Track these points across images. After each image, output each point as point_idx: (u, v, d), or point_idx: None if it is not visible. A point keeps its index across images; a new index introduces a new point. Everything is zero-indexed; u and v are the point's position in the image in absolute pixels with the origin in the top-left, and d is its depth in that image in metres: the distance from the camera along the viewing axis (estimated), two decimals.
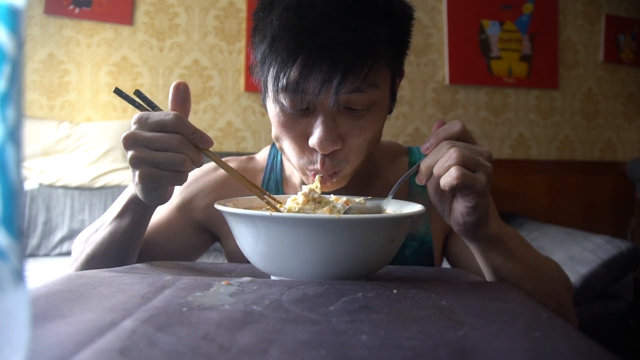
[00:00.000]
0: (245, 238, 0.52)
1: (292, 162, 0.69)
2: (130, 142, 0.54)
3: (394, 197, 0.61)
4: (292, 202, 0.60)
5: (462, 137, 0.56)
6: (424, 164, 0.56)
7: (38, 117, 2.34)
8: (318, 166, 0.65)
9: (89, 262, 0.68)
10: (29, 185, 2.17)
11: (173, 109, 0.58)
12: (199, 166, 0.57)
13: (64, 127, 2.25)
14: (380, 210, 0.60)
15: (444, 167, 0.52)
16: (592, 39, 2.79)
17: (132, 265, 0.61)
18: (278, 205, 0.62)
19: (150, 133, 0.54)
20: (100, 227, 0.68)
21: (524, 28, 2.72)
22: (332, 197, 0.64)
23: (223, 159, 0.84)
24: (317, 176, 0.66)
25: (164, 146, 0.53)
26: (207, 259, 2.03)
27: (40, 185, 2.18)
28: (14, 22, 0.22)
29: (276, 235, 0.48)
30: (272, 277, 0.55)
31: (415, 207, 0.58)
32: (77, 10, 2.41)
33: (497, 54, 2.69)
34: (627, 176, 2.46)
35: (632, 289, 1.95)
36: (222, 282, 0.48)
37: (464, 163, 0.52)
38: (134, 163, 0.54)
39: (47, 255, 2.10)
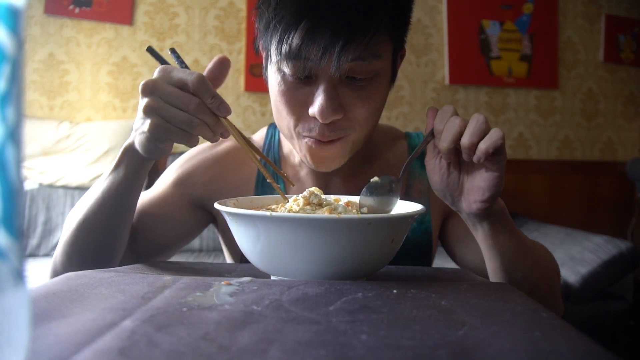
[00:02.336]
0: (245, 238, 0.52)
1: (287, 133, 0.69)
2: (149, 89, 0.54)
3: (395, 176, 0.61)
4: (293, 203, 0.60)
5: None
6: (447, 139, 0.54)
7: (38, 117, 2.35)
8: (315, 133, 0.65)
9: (80, 229, 0.65)
10: (29, 185, 2.17)
11: (208, 74, 0.58)
12: (217, 133, 0.56)
13: (64, 127, 2.25)
14: (389, 201, 0.59)
15: (479, 131, 0.52)
16: (592, 39, 2.79)
17: (132, 265, 0.61)
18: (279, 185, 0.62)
19: (171, 88, 0.53)
20: (92, 190, 0.66)
21: (524, 28, 2.72)
22: (332, 197, 0.64)
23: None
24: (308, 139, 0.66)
25: (180, 105, 0.53)
26: (207, 259, 2.03)
27: (40, 185, 2.18)
28: (14, 22, 0.22)
29: (276, 235, 0.48)
30: (272, 277, 0.55)
31: (415, 207, 0.58)
32: (77, 10, 2.41)
33: (497, 54, 2.69)
34: (627, 176, 2.46)
35: (632, 289, 1.95)
36: (222, 282, 0.48)
37: (489, 126, 0.52)
38: (148, 111, 0.54)
39: (47, 255, 2.10)
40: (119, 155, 0.63)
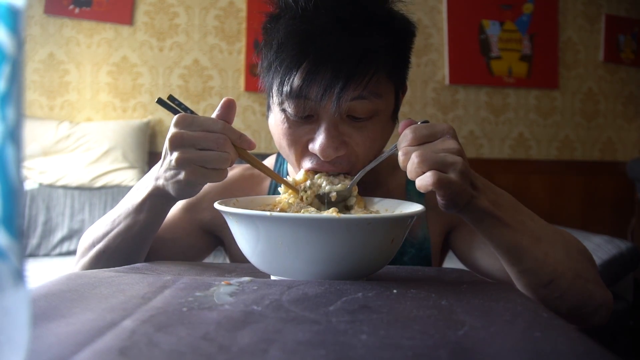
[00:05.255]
0: (245, 238, 0.52)
1: (291, 164, 0.71)
2: (177, 142, 0.56)
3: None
4: (290, 179, 0.65)
5: (427, 139, 0.55)
6: (401, 164, 0.56)
7: (38, 117, 2.34)
8: (317, 166, 0.67)
9: (100, 257, 0.68)
10: (29, 185, 2.17)
11: (218, 117, 0.60)
12: (234, 162, 0.59)
13: (64, 127, 2.25)
14: (346, 195, 0.65)
15: (413, 172, 0.53)
16: (592, 39, 2.79)
17: (132, 266, 0.61)
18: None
19: (197, 133, 0.56)
20: (112, 222, 0.68)
21: (524, 28, 2.72)
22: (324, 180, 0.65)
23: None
24: (301, 172, 0.68)
25: (210, 145, 0.56)
26: (207, 259, 2.03)
27: (40, 185, 2.18)
28: (14, 22, 0.22)
29: (276, 235, 0.48)
30: (272, 277, 0.55)
31: (415, 207, 0.58)
32: (77, 10, 2.41)
33: (497, 54, 2.69)
34: (627, 176, 2.46)
35: (632, 289, 1.95)
36: (222, 282, 0.48)
37: (430, 167, 0.52)
38: (181, 163, 0.56)
39: (47, 255, 2.10)
40: (143, 197, 0.64)
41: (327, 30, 0.62)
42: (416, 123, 0.57)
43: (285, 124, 0.67)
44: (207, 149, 0.56)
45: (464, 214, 0.58)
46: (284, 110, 0.66)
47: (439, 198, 0.54)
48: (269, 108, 0.72)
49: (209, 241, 0.83)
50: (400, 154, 0.55)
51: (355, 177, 0.65)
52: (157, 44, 2.48)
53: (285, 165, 0.87)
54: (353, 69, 0.61)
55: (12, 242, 0.22)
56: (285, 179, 0.66)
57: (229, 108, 0.60)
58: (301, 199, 0.65)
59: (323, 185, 0.65)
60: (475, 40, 2.68)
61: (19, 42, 0.22)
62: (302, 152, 0.68)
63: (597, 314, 0.63)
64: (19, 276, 0.22)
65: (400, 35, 0.69)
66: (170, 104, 0.61)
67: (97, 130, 2.28)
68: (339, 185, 0.65)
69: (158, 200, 0.64)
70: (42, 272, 1.77)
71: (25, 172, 2.16)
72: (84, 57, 2.44)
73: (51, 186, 2.19)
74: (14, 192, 0.22)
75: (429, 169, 0.52)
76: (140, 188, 0.66)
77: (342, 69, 0.61)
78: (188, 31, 2.51)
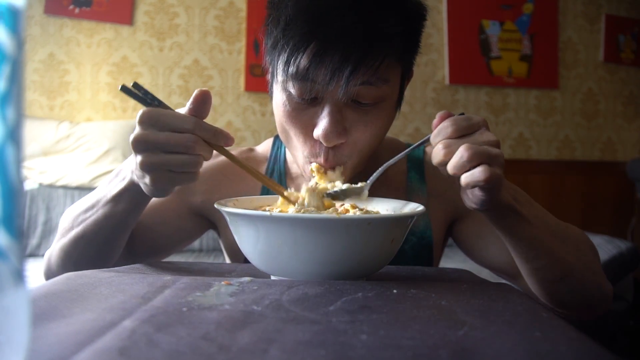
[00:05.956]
0: (245, 238, 0.52)
1: (294, 153, 0.69)
2: (141, 145, 0.51)
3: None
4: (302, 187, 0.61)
5: (466, 132, 0.51)
6: (434, 161, 0.52)
7: (38, 117, 2.34)
8: (321, 159, 0.65)
9: (78, 241, 0.66)
10: (29, 185, 2.17)
11: (190, 112, 0.54)
12: (200, 167, 0.55)
13: (64, 127, 2.25)
14: (358, 193, 0.61)
15: (460, 166, 0.49)
16: (592, 39, 2.79)
17: (132, 266, 0.61)
18: (286, 194, 0.61)
19: (163, 134, 0.51)
20: (92, 207, 0.66)
21: (524, 28, 2.72)
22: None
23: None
24: (313, 164, 0.65)
25: (178, 148, 0.51)
26: (207, 259, 2.03)
27: (40, 185, 2.18)
28: (14, 22, 0.22)
29: (276, 235, 0.48)
30: (272, 277, 0.55)
31: (415, 207, 0.58)
32: (77, 10, 2.40)
33: (497, 54, 2.69)
34: (627, 176, 2.46)
35: (632, 289, 1.95)
36: (222, 282, 0.48)
37: (480, 161, 0.48)
38: (147, 168, 0.52)
39: None
40: (121, 188, 0.61)
41: (338, 9, 0.59)
42: (453, 115, 0.53)
43: (288, 107, 0.64)
44: (175, 152, 0.51)
45: (488, 211, 0.55)
46: (286, 91, 0.63)
47: (478, 194, 0.51)
48: (271, 86, 0.69)
49: (199, 224, 0.80)
50: (440, 147, 0.50)
51: (376, 172, 0.61)
52: (157, 44, 2.48)
53: (282, 149, 0.84)
54: (363, 53, 0.58)
55: (12, 242, 0.22)
56: (284, 191, 0.61)
57: (202, 101, 0.53)
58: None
59: (337, 183, 0.62)
60: (475, 40, 2.68)
61: (19, 42, 0.22)
62: (303, 138, 0.65)
63: (602, 303, 0.65)
64: (19, 276, 0.22)
65: (413, 19, 0.66)
66: (136, 93, 0.53)
67: (97, 130, 2.28)
68: (359, 184, 0.62)
69: (136, 194, 0.61)
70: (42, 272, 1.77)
71: (25, 172, 2.16)
72: (84, 57, 2.44)
73: (51, 186, 2.19)
74: (14, 192, 0.22)
75: (479, 163, 0.48)
76: (119, 175, 0.63)
77: (352, 53, 0.58)
78: (188, 31, 2.51)
